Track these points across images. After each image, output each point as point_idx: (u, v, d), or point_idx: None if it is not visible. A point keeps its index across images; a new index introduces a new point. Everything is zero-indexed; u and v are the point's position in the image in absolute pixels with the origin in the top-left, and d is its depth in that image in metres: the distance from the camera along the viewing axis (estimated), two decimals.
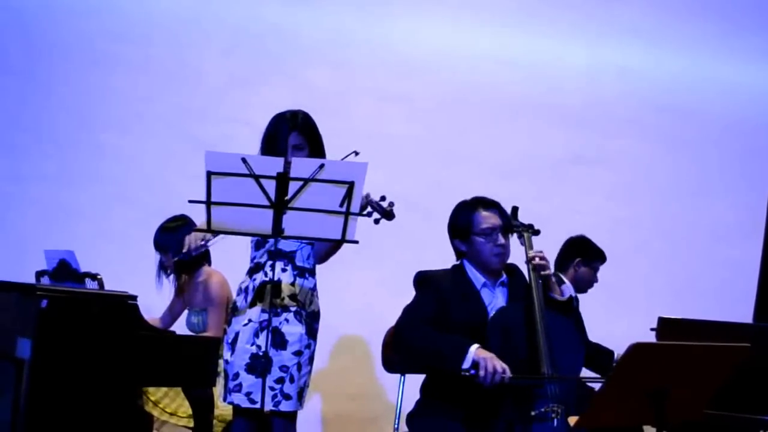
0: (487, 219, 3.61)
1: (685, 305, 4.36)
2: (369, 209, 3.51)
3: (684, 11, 6.05)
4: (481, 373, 3.28)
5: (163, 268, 4.53)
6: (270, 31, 5.73)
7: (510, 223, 3.66)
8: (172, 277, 4.56)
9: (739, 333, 3.74)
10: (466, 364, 3.32)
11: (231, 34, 5.73)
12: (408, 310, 3.61)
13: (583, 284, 5.06)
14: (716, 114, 6.06)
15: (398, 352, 3.67)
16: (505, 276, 3.70)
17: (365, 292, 5.46)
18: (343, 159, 3.49)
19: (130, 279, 4.10)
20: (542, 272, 3.56)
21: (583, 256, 5.08)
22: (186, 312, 4.55)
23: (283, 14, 5.73)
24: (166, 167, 5.52)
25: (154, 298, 4.52)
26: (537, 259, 3.56)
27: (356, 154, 3.53)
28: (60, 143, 5.54)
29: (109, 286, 4.16)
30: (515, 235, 3.70)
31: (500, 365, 3.29)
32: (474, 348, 3.34)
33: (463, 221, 3.65)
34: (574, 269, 5.05)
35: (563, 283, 4.62)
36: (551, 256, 3.66)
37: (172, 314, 4.64)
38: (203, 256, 4.49)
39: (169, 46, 5.66)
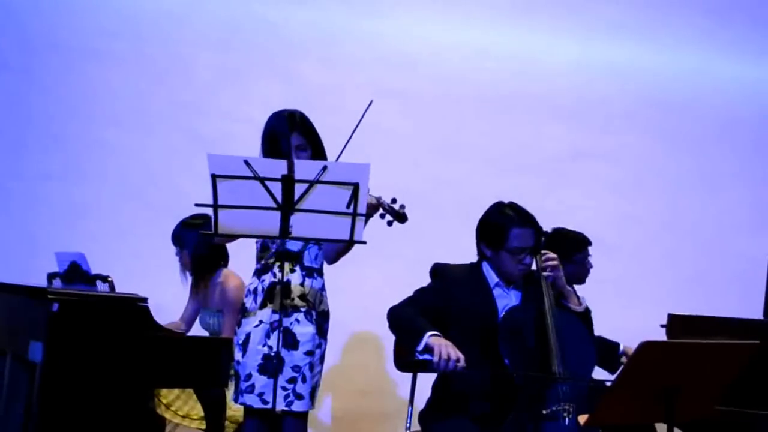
0: (521, 239, 3.56)
1: (692, 300, 4.34)
2: (381, 212, 3.53)
3: (673, 6, 6.03)
4: (435, 358, 3.31)
5: (182, 264, 4.55)
6: (263, 27, 5.73)
7: (540, 244, 3.62)
8: (188, 275, 4.58)
9: (748, 329, 3.73)
10: (420, 347, 3.37)
11: (224, 30, 5.72)
12: (414, 292, 3.65)
13: (575, 278, 4.71)
14: (712, 108, 6.03)
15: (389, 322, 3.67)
16: None
17: (376, 289, 5.43)
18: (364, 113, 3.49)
19: (138, 276, 4.12)
20: (552, 280, 3.57)
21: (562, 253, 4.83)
22: (201, 311, 4.57)
23: (276, 10, 5.73)
24: (168, 163, 5.54)
25: (164, 297, 4.51)
26: (548, 269, 3.56)
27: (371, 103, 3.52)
28: (57, 139, 5.53)
29: (117, 283, 4.16)
30: None
31: (455, 353, 3.30)
32: (429, 334, 3.37)
33: (497, 232, 3.59)
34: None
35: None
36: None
37: (192, 310, 4.66)
38: (221, 257, 4.50)
39: (161, 41, 5.65)
